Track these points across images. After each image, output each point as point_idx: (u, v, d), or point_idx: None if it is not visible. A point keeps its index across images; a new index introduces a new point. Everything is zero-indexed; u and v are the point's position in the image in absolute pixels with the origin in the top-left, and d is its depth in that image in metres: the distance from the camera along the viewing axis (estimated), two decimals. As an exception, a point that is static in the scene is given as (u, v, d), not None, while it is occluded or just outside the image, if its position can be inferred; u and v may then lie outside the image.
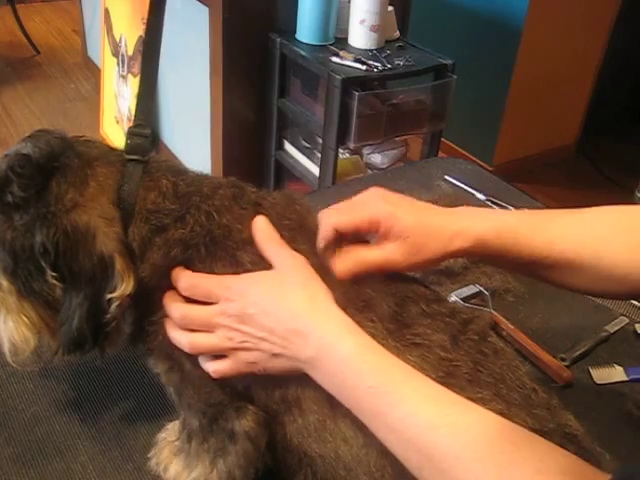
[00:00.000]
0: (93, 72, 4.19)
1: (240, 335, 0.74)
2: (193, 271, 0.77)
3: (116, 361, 1.02)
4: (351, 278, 0.77)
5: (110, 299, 0.73)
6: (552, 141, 3.87)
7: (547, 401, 0.76)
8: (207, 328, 0.75)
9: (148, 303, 0.79)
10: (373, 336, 0.72)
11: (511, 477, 0.59)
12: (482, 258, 0.84)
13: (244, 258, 0.77)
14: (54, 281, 0.74)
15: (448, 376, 0.72)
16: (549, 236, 0.79)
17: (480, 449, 0.61)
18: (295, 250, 0.77)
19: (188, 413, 0.81)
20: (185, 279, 0.76)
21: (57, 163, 0.75)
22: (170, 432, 0.88)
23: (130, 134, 0.81)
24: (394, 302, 0.76)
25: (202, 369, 0.77)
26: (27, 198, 0.73)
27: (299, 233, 0.80)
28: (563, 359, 1.06)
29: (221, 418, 0.78)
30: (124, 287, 0.73)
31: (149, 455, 0.87)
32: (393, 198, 0.82)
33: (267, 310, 0.72)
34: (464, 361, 0.74)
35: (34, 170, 0.74)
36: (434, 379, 0.70)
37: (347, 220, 0.78)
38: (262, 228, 0.77)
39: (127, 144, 0.81)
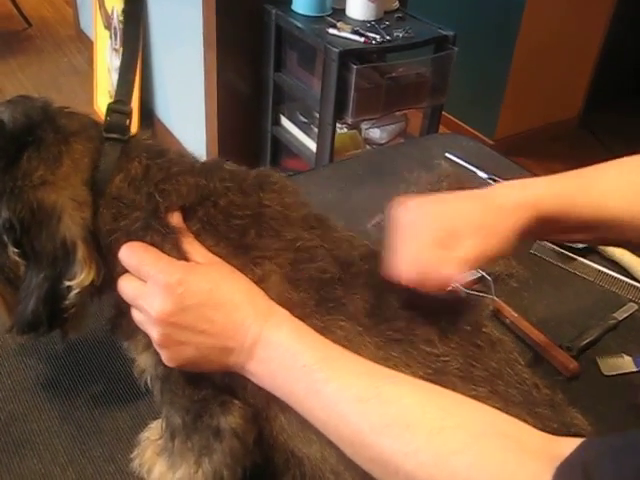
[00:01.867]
0: (86, 45, 4.11)
1: (178, 331, 0.68)
2: None
3: (97, 357, 0.97)
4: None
5: (69, 286, 0.68)
6: (555, 114, 3.82)
7: (550, 398, 0.71)
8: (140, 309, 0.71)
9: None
10: (346, 336, 0.68)
11: (443, 442, 0.57)
12: (539, 229, 0.77)
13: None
14: (17, 258, 0.70)
15: (437, 373, 0.67)
16: (600, 193, 0.76)
17: (410, 417, 0.59)
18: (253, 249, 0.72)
19: (171, 410, 0.77)
20: (129, 252, 0.70)
21: (32, 137, 0.70)
22: (153, 431, 0.83)
23: (110, 111, 0.75)
24: (373, 295, 0.71)
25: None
26: None
27: (256, 228, 0.73)
28: (569, 349, 1.01)
29: (205, 415, 0.74)
30: (84, 277, 0.68)
31: (132, 456, 0.83)
32: (434, 198, 0.77)
33: (207, 301, 0.68)
34: (454, 355, 0.69)
35: (7, 142, 0.69)
36: (421, 377, 0.66)
37: (429, 244, 0.73)
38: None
39: (106, 121, 0.75)
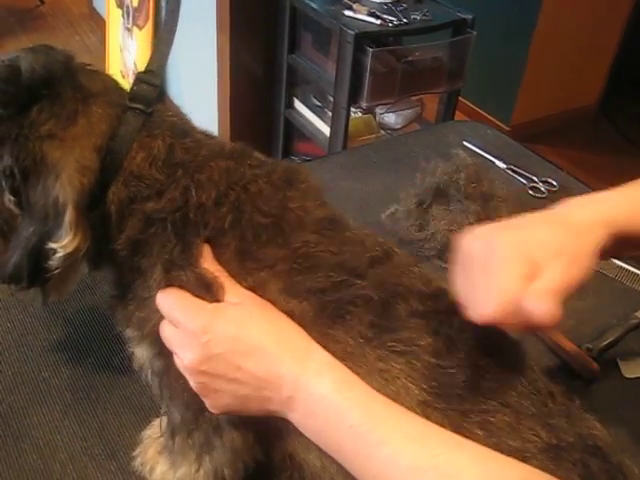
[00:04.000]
0: (99, 24, 4.07)
1: (210, 379, 0.66)
2: (154, 252, 0.68)
3: (100, 350, 0.94)
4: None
5: (54, 249, 0.65)
6: (573, 101, 3.75)
7: (567, 407, 0.67)
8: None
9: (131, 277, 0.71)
10: (347, 348, 0.65)
11: None
12: (617, 247, 0.70)
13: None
14: (12, 206, 0.67)
15: (442, 386, 0.63)
16: None
17: None
18: (252, 260, 0.68)
19: (170, 406, 0.74)
20: (163, 298, 0.68)
21: (47, 91, 0.66)
22: (155, 429, 0.81)
23: (138, 80, 0.71)
24: (380, 302, 0.67)
25: None
26: (2, 115, 0.65)
27: (269, 234, 0.69)
28: (589, 349, 0.98)
29: (207, 410, 0.71)
30: (67, 242, 0.65)
31: (134, 454, 0.80)
32: (507, 224, 0.69)
33: (235, 348, 0.65)
34: (462, 367, 0.64)
35: (20, 91, 0.66)
36: (424, 389, 0.62)
37: (517, 280, 0.63)
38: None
39: (132, 90, 0.71)
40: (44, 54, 0.69)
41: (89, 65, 0.72)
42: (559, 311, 0.60)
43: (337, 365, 0.63)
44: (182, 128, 0.73)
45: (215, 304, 0.66)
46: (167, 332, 0.67)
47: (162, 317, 0.68)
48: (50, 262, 0.66)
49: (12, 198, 0.67)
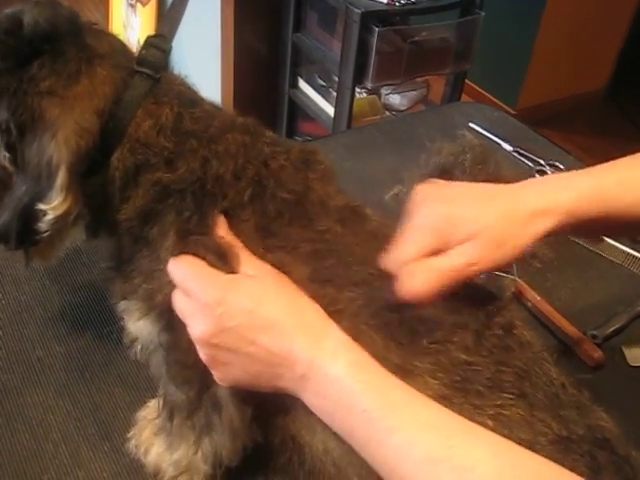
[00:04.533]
0: (102, 0, 4.03)
1: (221, 352, 0.64)
2: (167, 221, 0.66)
3: (95, 328, 0.93)
4: (433, 297, 0.63)
5: (44, 210, 0.63)
6: (580, 85, 3.71)
7: (577, 398, 0.66)
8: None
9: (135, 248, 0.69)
10: (370, 343, 0.63)
11: None
12: (572, 232, 0.72)
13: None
14: (7, 163, 0.66)
15: (464, 381, 0.62)
16: None
17: None
18: (274, 237, 0.67)
19: (172, 385, 0.72)
20: (175, 267, 0.65)
21: (49, 46, 0.64)
22: (151, 410, 0.80)
23: (147, 44, 0.69)
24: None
25: None
26: (1, 68, 0.64)
27: (293, 212, 0.68)
28: (594, 337, 0.96)
29: (208, 387, 0.70)
30: (56, 204, 0.63)
31: (128, 435, 0.79)
32: (445, 193, 0.69)
33: (249, 323, 0.63)
34: (485, 364, 0.64)
35: (21, 43, 0.64)
36: (447, 384, 0.61)
37: (414, 253, 0.64)
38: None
39: (141, 53, 0.68)
40: (50, 8, 0.66)
41: (95, 24, 0.70)
42: (428, 291, 0.61)
43: (354, 347, 0.61)
44: (190, 97, 0.71)
45: (231, 275, 0.64)
46: (180, 302, 0.65)
47: (173, 288, 0.66)
48: (40, 224, 0.64)
49: (7, 155, 0.65)
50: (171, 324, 0.68)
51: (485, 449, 0.55)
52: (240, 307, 0.62)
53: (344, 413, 0.59)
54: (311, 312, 0.63)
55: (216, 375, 0.65)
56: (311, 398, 0.62)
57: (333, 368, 0.59)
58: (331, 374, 0.59)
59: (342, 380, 0.59)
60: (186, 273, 0.64)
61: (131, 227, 0.68)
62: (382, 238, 0.69)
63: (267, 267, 0.65)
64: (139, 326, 0.71)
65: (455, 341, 0.64)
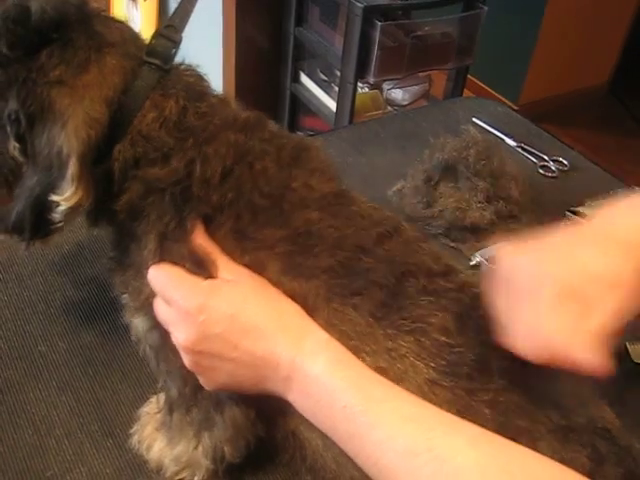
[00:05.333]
0: (104, -7, 4.02)
1: (206, 359, 0.65)
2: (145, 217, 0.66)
3: (98, 324, 0.92)
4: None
5: (56, 201, 0.63)
6: (583, 80, 3.70)
7: (578, 389, 0.65)
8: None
9: (128, 241, 0.69)
10: (356, 327, 0.63)
11: None
12: None
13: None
14: (17, 153, 0.65)
15: (451, 365, 0.62)
16: None
17: None
18: (248, 240, 0.66)
19: (168, 381, 0.72)
20: (155, 274, 0.66)
21: (58, 34, 0.64)
22: (153, 405, 0.79)
23: (158, 35, 0.68)
24: (389, 280, 0.65)
25: None
26: (10, 57, 0.63)
27: (268, 214, 0.66)
28: (598, 333, 0.95)
29: None
30: (68, 195, 0.63)
31: (131, 431, 0.78)
32: (547, 261, 0.61)
33: (231, 328, 0.63)
34: (471, 346, 0.63)
35: (28, 32, 0.63)
36: (434, 368, 0.61)
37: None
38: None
39: (151, 44, 0.68)
40: None
41: (104, 11, 0.69)
42: (609, 360, 0.55)
43: (333, 344, 0.62)
44: (198, 90, 0.70)
45: (210, 281, 0.64)
46: (161, 310, 0.66)
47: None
48: (53, 214, 0.64)
49: (17, 145, 0.65)
50: (158, 325, 0.68)
51: (465, 439, 0.55)
52: (221, 313, 0.63)
53: (326, 410, 0.59)
54: (291, 313, 0.64)
55: (202, 380, 0.66)
56: (296, 398, 0.62)
57: (313, 367, 0.60)
58: (311, 373, 0.60)
59: (322, 378, 0.60)
60: (166, 282, 0.65)
61: (124, 220, 0.68)
62: (368, 217, 0.69)
63: (245, 271, 0.65)
64: (134, 322, 0.72)
65: (433, 322, 0.63)
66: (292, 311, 0.64)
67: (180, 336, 0.64)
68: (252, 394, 0.66)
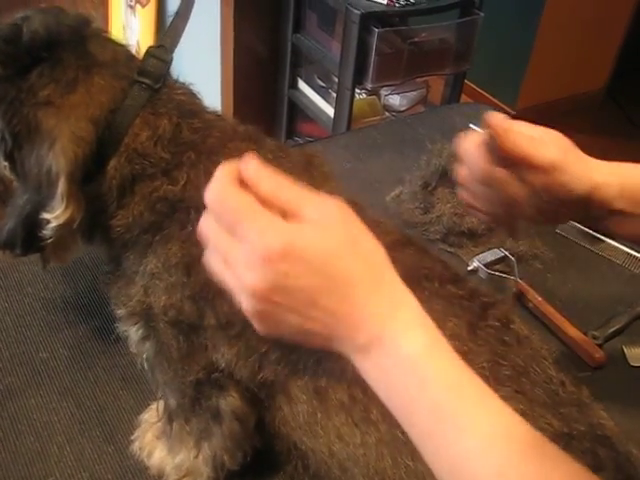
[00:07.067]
0: (101, 1, 4.02)
1: (276, 310, 0.55)
2: (172, 239, 0.66)
3: (100, 330, 0.93)
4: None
5: (47, 219, 0.64)
6: (580, 85, 3.70)
7: (577, 396, 0.66)
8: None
9: (128, 254, 0.70)
10: None
11: None
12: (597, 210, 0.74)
13: None
14: (6, 172, 0.67)
15: None
16: None
17: None
18: None
19: (166, 391, 0.73)
20: (218, 196, 0.55)
21: (48, 54, 0.65)
22: (153, 413, 0.80)
23: (148, 54, 0.70)
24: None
25: (180, 342, 0.68)
26: (0, 75, 0.65)
27: None
28: (595, 337, 0.96)
29: (203, 397, 0.70)
30: (59, 213, 0.64)
31: (132, 437, 0.79)
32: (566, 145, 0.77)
33: (319, 285, 0.53)
34: (480, 353, 0.64)
35: (18, 51, 0.65)
36: None
37: (521, 151, 0.73)
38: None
39: (142, 64, 0.69)
40: (52, 16, 0.67)
41: (106, 32, 0.70)
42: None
43: (429, 324, 0.54)
44: (190, 108, 0.71)
45: (295, 222, 0.53)
46: (221, 240, 0.55)
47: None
48: (44, 231, 0.65)
49: (6, 164, 0.66)
50: (150, 334, 0.69)
51: (561, 473, 0.50)
52: (307, 263, 0.53)
53: (408, 396, 0.52)
54: (389, 274, 0.55)
55: (260, 328, 0.57)
56: (370, 368, 0.54)
57: (406, 345, 0.52)
58: (402, 352, 0.52)
59: (414, 361, 0.52)
60: (238, 209, 0.53)
61: (123, 233, 0.68)
62: (378, 226, 0.68)
63: (334, 207, 0.55)
64: (129, 333, 0.73)
65: (447, 327, 0.62)
66: (389, 272, 0.55)
67: (249, 279, 0.53)
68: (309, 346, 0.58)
